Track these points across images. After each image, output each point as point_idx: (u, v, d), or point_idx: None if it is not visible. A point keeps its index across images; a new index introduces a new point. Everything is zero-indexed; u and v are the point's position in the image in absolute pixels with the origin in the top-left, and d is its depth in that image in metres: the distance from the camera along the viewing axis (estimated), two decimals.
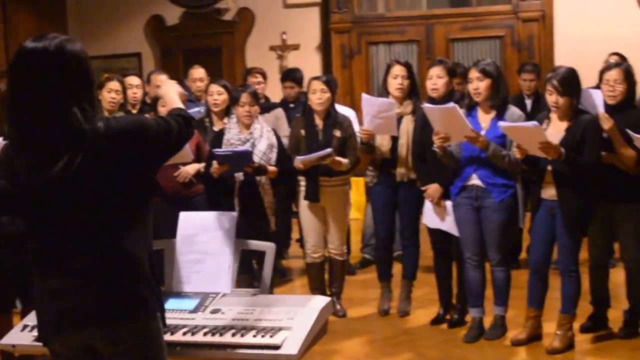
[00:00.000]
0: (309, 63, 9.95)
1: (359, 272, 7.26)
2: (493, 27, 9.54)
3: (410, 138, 5.73)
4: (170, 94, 3.02)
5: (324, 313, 3.11)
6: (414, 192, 5.78)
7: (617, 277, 5.70)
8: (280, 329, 2.97)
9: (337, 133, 5.76)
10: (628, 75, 5.26)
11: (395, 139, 5.77)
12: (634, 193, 5.22)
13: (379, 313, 6.03)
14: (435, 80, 5.64)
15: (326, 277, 6.11)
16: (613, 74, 5.22)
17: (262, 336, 2.94)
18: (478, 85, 5.20)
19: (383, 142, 5.81)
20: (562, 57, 8.92)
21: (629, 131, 4.89)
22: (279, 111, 7.11)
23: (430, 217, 5.67)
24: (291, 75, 7.84)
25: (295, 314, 3.05)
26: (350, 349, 5.41)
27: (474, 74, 5.23)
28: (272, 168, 5.68)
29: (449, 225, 5.55)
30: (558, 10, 9.30)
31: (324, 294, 5.78)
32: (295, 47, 10.32)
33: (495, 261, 5.37)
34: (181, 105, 2.95)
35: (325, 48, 10.27)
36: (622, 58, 7.00)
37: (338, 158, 5.63)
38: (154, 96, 6.62)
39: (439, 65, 5.71)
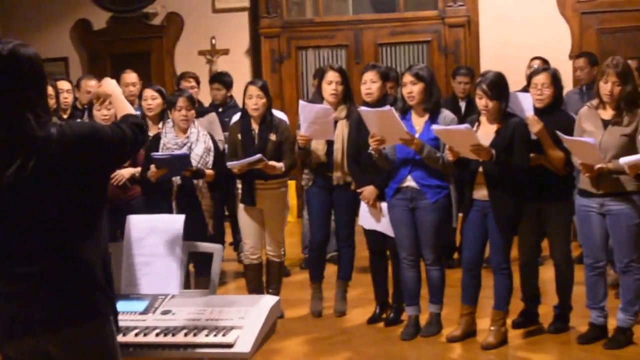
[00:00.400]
0: (239, 67, 9.99)
1: (300, 272, 7.35)
2: (420, 32, 9.73)
3: (345, 142, 5.84)
4: (121, 97, 3.05)
5: (273, 312, 3.18)
6: (349, 194, 5.89)
7: (546, 274, 5.89)
8: (232, 328, 3.03)
9: (273, 137, 5.83)
10: (555, 79, 5.46)
11: (330, 143, 5.87)
12: (561, 192, 5.43)
13: (312, 314, 6.11)
14: (369, 84, 5.75)
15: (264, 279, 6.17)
16: (541, 78, 5.42)
17: (215, 335, 2.99)
18: (412, 89, 5.34)
19: (318, 147, 5.90)
20: (487, 62, 9.19)
21: (559, 133, 5.08)
22: (212, 115, 7.17)
23: (366, 219, 5.78)
24: (219, 78, 7.95)
25: (246, 313, 3.12)
26: (290, 349, 5.48)
27: (407, 78, 5.36)
28: (209, 171, 5.71)
29: (384, 226, 5.67)
30: (483, 16, 9.54)
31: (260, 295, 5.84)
32: (225, 52, 10.35)
33: (430, 260, 5.51)
34: (132, 111, 2.98)
35: (254, 53, 10.33)
36: (545, 62, 7.23)
37: (272, 162, 5.71)
38: (89, 100, 6.59)
39: (373, 70, 5.83)
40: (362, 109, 5.39)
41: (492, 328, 5.35)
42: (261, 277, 6.11)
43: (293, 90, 9.92)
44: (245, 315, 3.10)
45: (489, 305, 5.51)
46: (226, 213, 7.06)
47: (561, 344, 5.37)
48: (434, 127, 5.16)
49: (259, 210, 5.91)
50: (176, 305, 3.26)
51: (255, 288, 6.02)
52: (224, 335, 2.98)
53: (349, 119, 5.86)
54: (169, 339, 3.00)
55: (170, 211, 5.50)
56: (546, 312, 5.69)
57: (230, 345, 2.94)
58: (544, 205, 5.39)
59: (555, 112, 5.42)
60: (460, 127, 5.10)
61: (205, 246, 3.55)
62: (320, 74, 6.14)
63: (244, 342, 2.95)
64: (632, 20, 9.36)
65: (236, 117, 6.28)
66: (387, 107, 5.25)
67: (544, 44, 8.88)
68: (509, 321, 5.50)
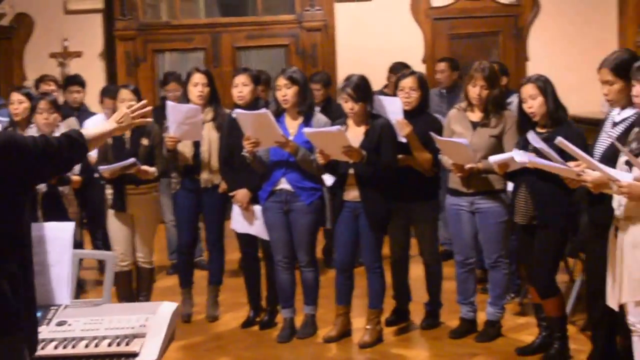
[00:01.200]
0: (93, 70, 9.71)
1: (167, 278, 7.22)
2: (278, 36, 9.78)
3: (212, 144, 5.78)
4: None
5: (174, 318, 3.12)
6: (217, 197, 5.84)
7: (415, 271, 6.06)
8: (134, 336, 2.94)
9: (145, 141, 5.70)
10: (422, 82, 5.62)
11: (197, 145, 5.81)
12: (428, 193, 5.59)
13: (182, 320, 6.01)
14: (241, 87, 5.72)
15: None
16: (408, 82, 5.55)
17: (118, 345, 2.89)
18: (286, 92, 5.36)
19: (185, 149, 5.82)
20: (344, 65, 9.36)
21: (432, 134, 5.23)
22: (72, 120, 6.92)
23: (238, 222, 5.74)
24: (77, 80, 7.74)
25: (146, 320, 3.03)
26: (164, 357, 5.36)
27: (281, 81, 5.37)
28: (75, 178, 5.53)
29: (257, 229, 5.66)
30: (339, 21, 9.69)
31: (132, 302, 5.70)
32: (78, 54, 10.02)
33: (305, 262, 5.54)
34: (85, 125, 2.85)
35: (109, 55, 10.06)
36: (407, 67, 7.39)
37: (144, 167, 5.59)
38: None
39: (244, 73, 5.80)
40: (238, 111, 5.36)
41: (367, 327, 5.44)
42: (131, 284, 5.96)
43: (150, 94, 9.68)
44: (146, 323, 3.01)
45: (362, 304, 5.61)
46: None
47: (434, 339, 5.52)
48: (305, 130, 5.19)
49: (129, 216, 5.77)
50: (71, 315, 3.13)
51: (126, 295, 5.87)
52: (127, 344, 2.89)
53: (215, 121, 5.82)
54: (70, 350, 2.88)
55: (35, 219, 5.29)
56: (417, 309, 5.84)
57: (135, 355, 2.85)
58: (412, 205, 5.53)
59: (422, 115, 5.57)
60: (331, 129, 5.16)
61: (96, 254, 3.43)
62: (186, 76, 6.05)
63: (150, 350, 2.87)
64: (481, 26, 9.75)
65: (90, 121, 6.11)
66: (264, 110, 5.25)
67: (398, 49, 9.12)
68: (382, 319, 5.61)
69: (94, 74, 9.60)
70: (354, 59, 9.34)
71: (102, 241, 6.73)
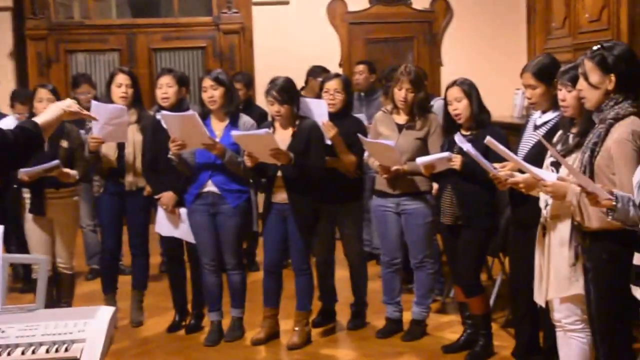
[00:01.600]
0: (2, 71, 9.43)
1: (87, 283, 7.05)
2: (195, 38, 9.68)
3: (136, 146, 5.70)
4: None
5: (112, 323, 3.05)
6: (142, 200, 5.76)
7: (341, 272, 6.09)
8: (72, 341, 2.86)
9: (64, 144, 5.56)
10: (346, 85, 5.66)
11: (121, 147, 5.71)
12: (353, 194, 5.64)
13: None
14: (166, 89, 5.65)
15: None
16: (333, 84, 5.59)
17: (57, 351, 2.81)
18: (212, 93, 5.31)
19: (109, 151, 5.71)
20: (262, 68, 9.34)
21: (360, 136, 5.28)
22: None
23: (163, 225, 5.66)
24: None
25: (84, 325, 2.95)
26: None
27: (207, 82, 5.33)
28: None
29: (183, 232, 5.60)
30: (257, 24, 9.64)
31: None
32: None
33: (232, 265, 5.51)
34: (43, 118, 2.74)
35: (19, 55, 9.77)
36: (325, 71, 7.44)
37: (66, 170, 5.46)
38: None
39: (168, 75, 5.73)
40: (165, 113, 5.29)
41: (296, 328, 5.44)
42: (52, 290, 5.79)
43: (63, 96, 9.38)
44: (84, 328, 2.93)
45: (289, 306, 5.61)
46: None
47: (361, 339, 5.57)
48: (234, 133, 5.17)
49: (48, 221, 5.62)
50: (4, 322, 3.02)
51: (47, 302, 5.70)
52: (66, 350, 2.81)
53: (139, 123, 5.73)
54: (5, 358, 2.78)
55: None
56: (343, 309, 5.88)
57: None
58: (337, 207, 5.56)
59: (346, 117, 5.61)
60: (260, 132, 5.15)
61: (28, 258, 3.33)
62: (109, 77, 5.93)
63: (90, 355, 2.79)
64: (397, 31, 9.86)
65: (2, 123, 5.91)
66: (191, 112, 5.20)
67: (315, 52, 9.15)
68: (310, 320, 5.62)
69: (4, 75, 9.33)
70: (271, 61, 9.33)
71: (15, 246, 6.54)
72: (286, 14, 9.71)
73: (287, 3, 9.73)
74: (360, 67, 7.83)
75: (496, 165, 4.26)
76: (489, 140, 3.86)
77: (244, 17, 9.62)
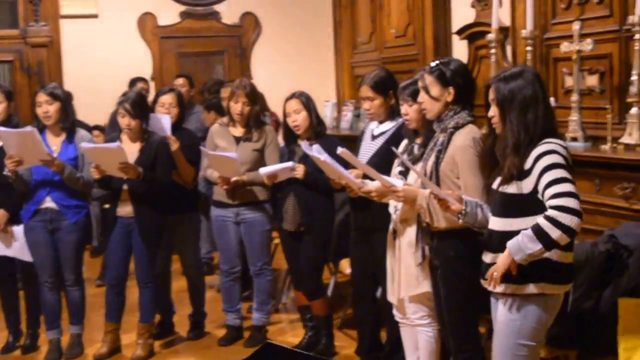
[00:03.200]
0: None
1: None
2: (1, 52, 9.33)
3: None
4: None
5: None
6: None
7: (177, 284, 6.13)
8: None
9: None
10: (180, 99, 5.75)
11: None
12: (189, 205, 5.74)
13: None
14: None
15: None
16: (168, 98, 5.69)
17: None
18: (47, 108, 5.22)
19: None
20: (71, 82, 9.09)
21: (202, 148, 5.41)
22: None
23: None
24: None
25: None
26: None
27: (42, 97, 5.24)
28: None
29: (16, 250, 5.45)
30: (65, 37, 9.41)
31: None
32: None
33: (71, 281, 5.44)
34: None
35: None
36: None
37: None
38: None
39: None
40: (1, 129, 5.14)
41: (139, 341, 5.44)
42: None
43: None
44: None
45: (129, 319, 5.59)
46: None
47: (204, 348, 5.66)
48: (83, 145, 5.12)
49: None
50: None
51: None
52: None
53: None
54: None
55: None
56: (181, 321, 5.93)
57: None
58: (174, 218, 5.59)
59: (180, 130, 5.69)
60: (111, 145, 5.11)
61: None
62: None
63: None
64: (207, 45, 9.96)
65: None
66: (29, 128, 5.10)
67: (127, 65, 9.12)
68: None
69: None
70: (81, 76, 9.19)
71: None
72: (95, 27, 9.55)
73: (96, 16, 9.58)
74: (180, 81, 7.92)
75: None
76: (342, 151, 4.04)
77: (52, 30, 9.38)
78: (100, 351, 5.43)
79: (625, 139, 4.91)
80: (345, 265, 5.75)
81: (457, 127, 3.83)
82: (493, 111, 3.40)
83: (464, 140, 3.77)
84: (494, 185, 3.43)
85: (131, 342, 5.49)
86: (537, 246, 3.16)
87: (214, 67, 9.96)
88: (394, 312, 4.43)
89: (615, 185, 4.72)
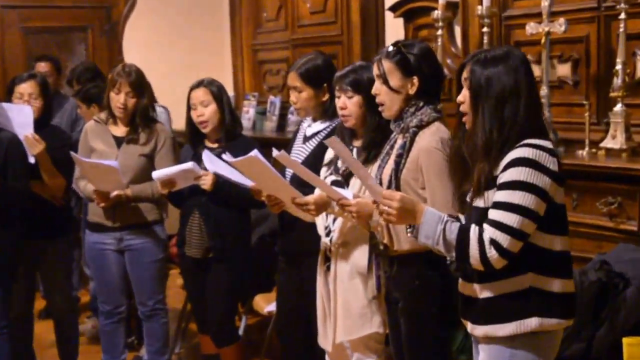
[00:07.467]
0: None
1: None
2: None
3: None
4: None
5: None
6: None
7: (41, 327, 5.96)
8: None
9: None
10: (44, 87, 5.58)
11: None
12: (60, 227, 5.60)
13: None
14: None
15: None
16: (27, 87, 5.49)
17: None
18: None
19: None
20: None
21: (73, 154, 5.23)
22: None
23: None
24: None
25: None
26: None
27: None
28: None
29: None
30: None
31: None
32: None
33: None
34: None
35: None
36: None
37: None
38: None
39: None
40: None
41: None
42: None
43: None
44: None
45: None
46: None
47: None
48: None
49: None
50: None
51: None
52: None
53: None
54: None
55: None
56: None
57: None
58: (39, 243, 5.46)
59: (47, 128, 5.54)
60: None
61: None
62: None
63: None
64: (63, 19, 9.72)
65: None
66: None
67: None
68: None
69: None
70: None
71: None
72: None
73: None
74: (43, 64, 7.69)
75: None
76: (280, 154, 3.93)
77: None
78: None
79: (608, 143, 5.01)
80: (261, 303, 5.71)
81: (420, 126, 3.82)
82: (463, 96, 3.30)
83: (430, 142, 3.77)
84: (468, 197, 3.36)
85: None
86: (448, 253, 3.19)
87: (73, 47, 9.75)
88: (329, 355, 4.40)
89: (598, 200, 4.80)
